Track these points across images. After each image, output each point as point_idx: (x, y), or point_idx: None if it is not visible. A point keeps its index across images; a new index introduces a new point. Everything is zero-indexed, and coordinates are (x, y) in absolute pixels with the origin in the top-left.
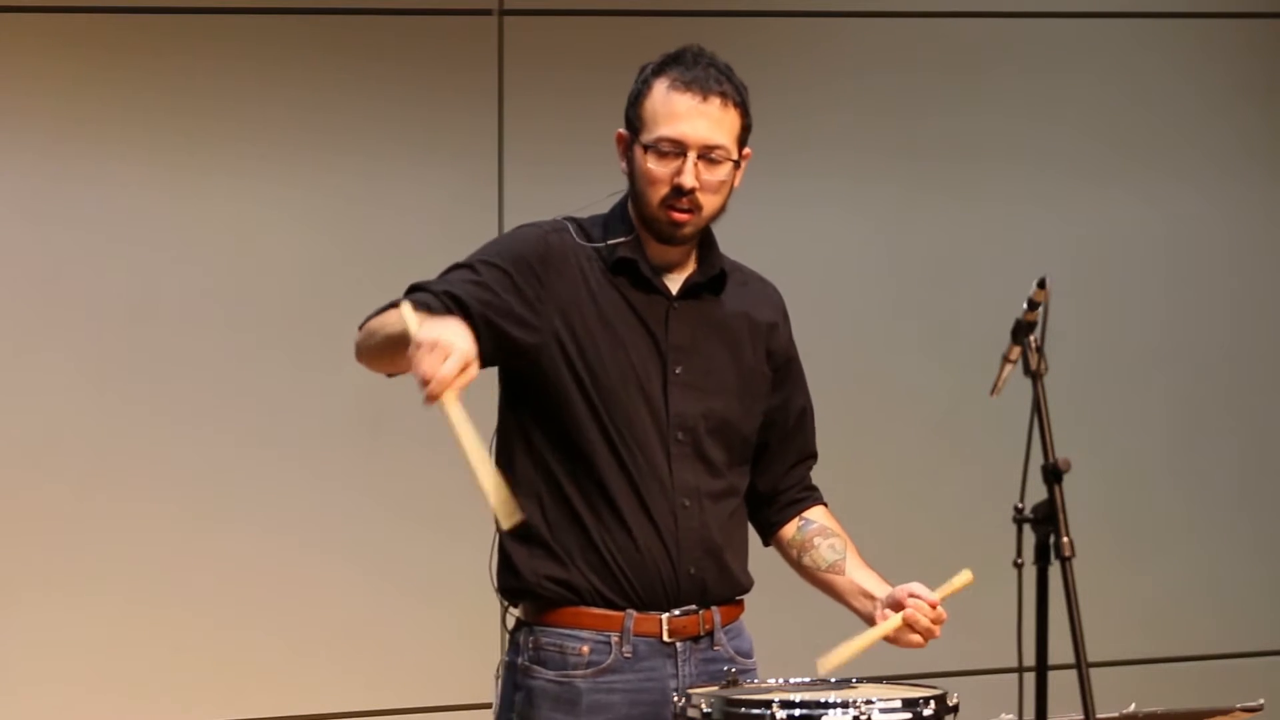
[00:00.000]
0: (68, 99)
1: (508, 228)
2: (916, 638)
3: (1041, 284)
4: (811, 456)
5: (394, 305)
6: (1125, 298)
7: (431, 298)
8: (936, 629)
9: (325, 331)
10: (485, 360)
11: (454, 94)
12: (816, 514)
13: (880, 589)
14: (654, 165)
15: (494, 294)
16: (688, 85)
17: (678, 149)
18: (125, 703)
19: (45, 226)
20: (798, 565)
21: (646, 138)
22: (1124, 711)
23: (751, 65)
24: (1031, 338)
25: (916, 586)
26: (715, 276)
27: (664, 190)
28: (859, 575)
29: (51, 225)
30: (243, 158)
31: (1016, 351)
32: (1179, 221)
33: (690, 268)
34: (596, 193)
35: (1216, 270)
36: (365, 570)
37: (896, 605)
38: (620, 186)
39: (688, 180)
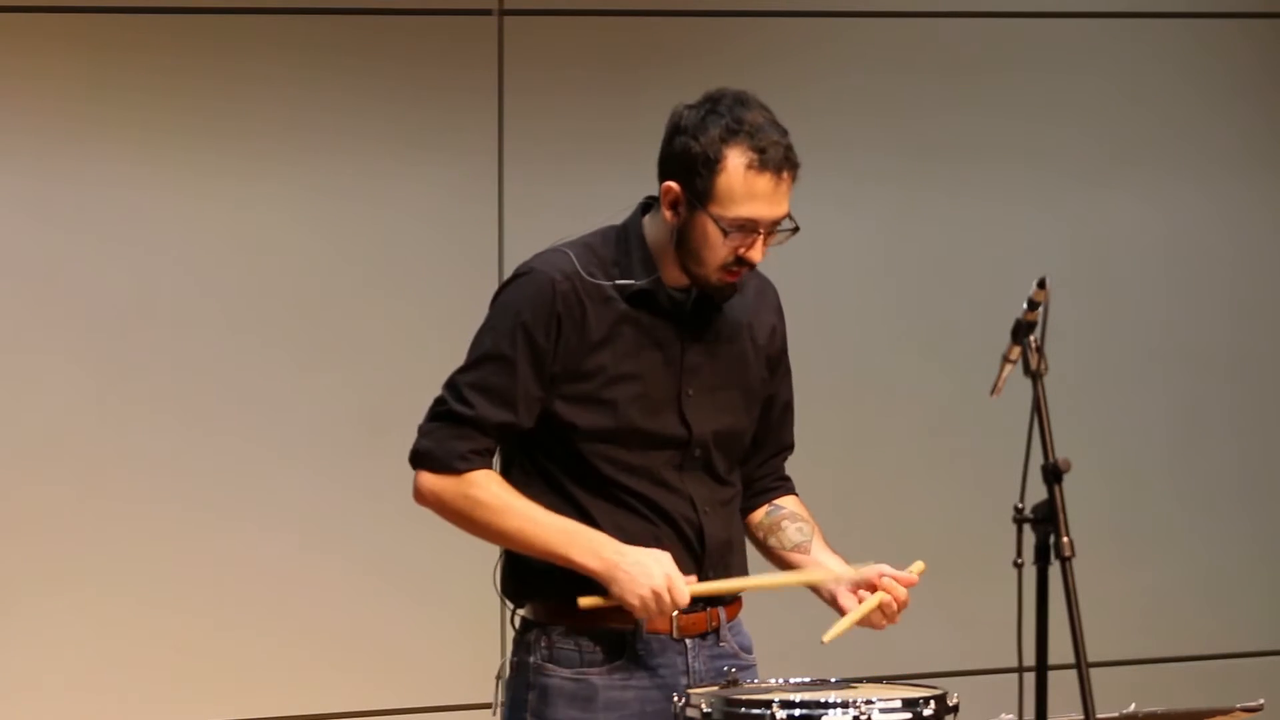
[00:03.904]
0: (68, 99)
1: (508, 227)
2: (881, 619)
3: (1041, 284)
4: (788, 448)
5: (470, 450)
6: (1125, 298)
7: (487, 440)
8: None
9: (326, 331)
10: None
11: (454, 94)
12: (787, 501)
13: (844, 570)
14: (724, 240)
15: (525, 389)
16: (764, 166)
17: (752, 227)
18: (125, 703)
19: (45, 226)
20: (763, 547)
21: (721, 214)
22: (1124, 711)
23: (752, 65)
24: (1031, 338)
25: (886, 568)
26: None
27: (728, 259)
28: (823, 557)
29: (51, 225)
30: (243, 157)
31: (1016, 351)
32: (1179, 221)
33: None
34: (595, 191)
35: (1216, 270)
36: (365, 570)
37: (864, 585)
38: (619, 191)
39: (758, 255)
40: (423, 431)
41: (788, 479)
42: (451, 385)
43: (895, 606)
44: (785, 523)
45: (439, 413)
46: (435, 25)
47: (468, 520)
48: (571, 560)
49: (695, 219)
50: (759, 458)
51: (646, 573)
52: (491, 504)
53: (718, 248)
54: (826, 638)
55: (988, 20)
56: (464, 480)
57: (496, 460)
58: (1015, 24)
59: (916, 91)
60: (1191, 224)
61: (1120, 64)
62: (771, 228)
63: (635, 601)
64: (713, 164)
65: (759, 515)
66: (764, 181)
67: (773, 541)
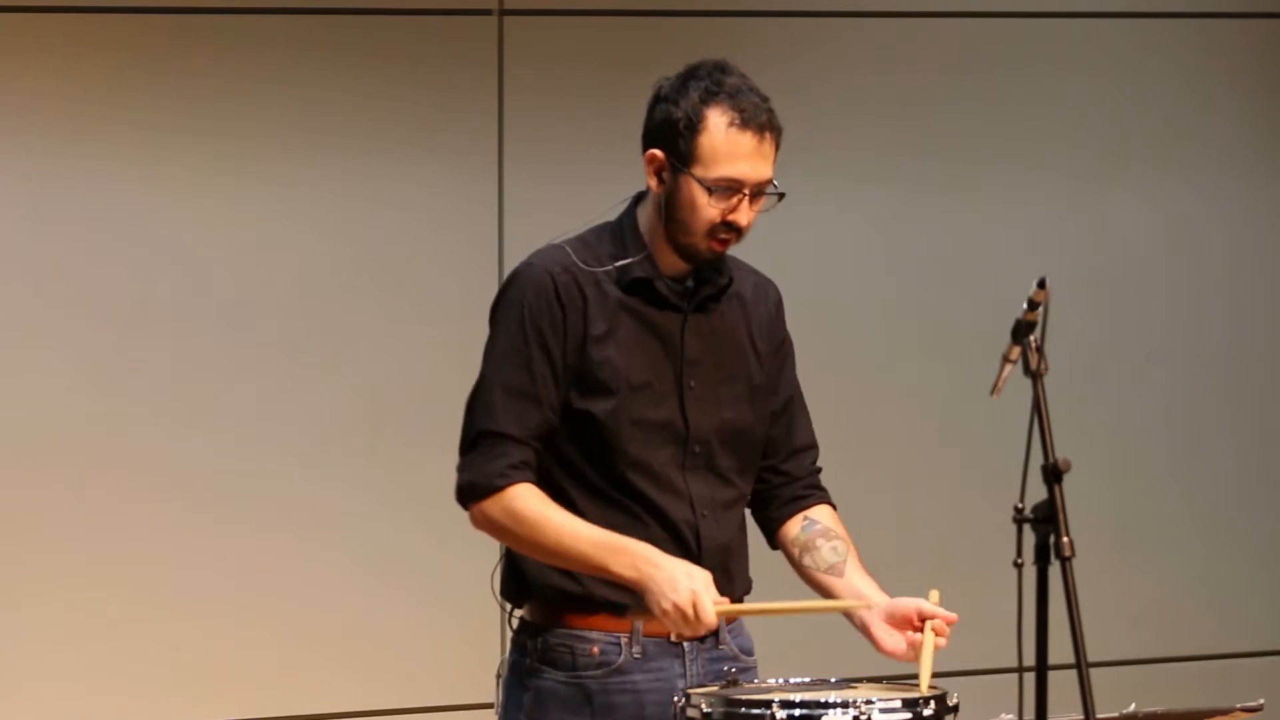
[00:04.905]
0: (68, 99)
1: (508, 227)
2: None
3: (1041, 284)
4: (809, 447)
5: (508, 464)
6: (1125, 298)
7: (525, 450)
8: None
9: (326, 331)
10: None
11: (454, 94)
12: (822, 514)
13: (880, 598)
14: (709, 201)
15: (544, 381)
16: (745, 124)
17: (736, 187)
18: (125, 702)
19: (45, 226)
20: (798, 565)
21: (704, 174)
22: (1124, 711)
23: (751, 65)
24: (1031, 338)
25: (923, 604)
26: (724, 286)
27: (714, 224)
28: (856, 579)
29: (51, 225)
30: (242, 157)
31: (1016, 351)
32: (1179, 221)
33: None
34: (596, 192)
35: (1216, 270)
36: (365, 570)
37: (901, 620)
38: (619, 191)
39: (744, 219)
40: (460, 468)
41: (822, 489)
42: (473, 401)
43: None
44: (820, 540)
45: (471, 440)
46: (435, 25)
47: (513, 536)
48: (610, 571)
49: (680, 183)
50: (778, 458)
51: (674, 587)
52: (531, 518)
53: (703, 210)
54: (924, 686)
55: (988, 20)
56: (505, 495)
57: None
58: (1015, 24)
59: (917, 91)
60: (1191, 224)
61: (1120, 64)
62: (756, 190)
63: (658, 612)
64: (694, 125)
65: (793, 529)
66: (746, 140)
67: (807, 561)
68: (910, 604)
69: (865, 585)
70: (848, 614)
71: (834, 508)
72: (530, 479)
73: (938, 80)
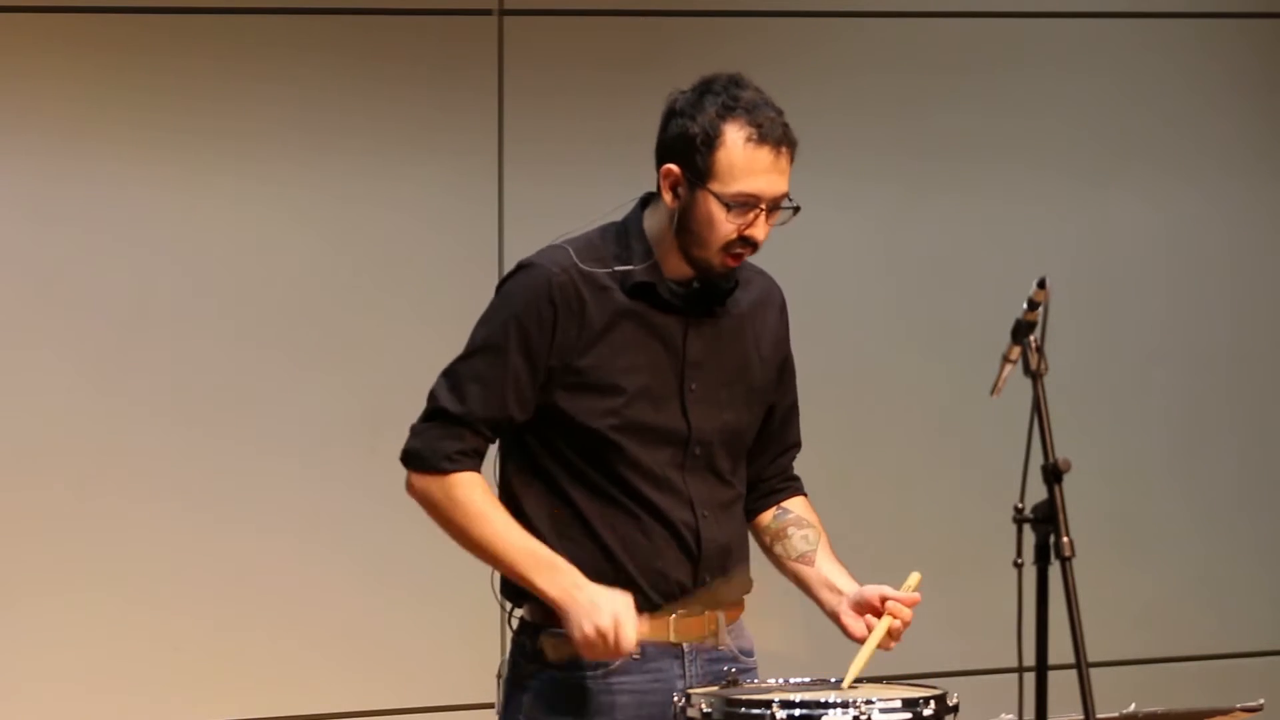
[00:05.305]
0: (68, 99)
1: (508, 228)
2: (889, 641)
3: (1041, 284)
4: (796, 446)
5: (458, 450)
6: (1125, 298)
7: (477, 439)
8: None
9: (326, 331)
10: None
11: (454, 94)
12: (795, 504)
13: (848, 585)
14: (727, 217)
15: (516, 381)
16: (763, 139)
17: (753, 203)
18: (125, 702)
19: (45, 226)
20: (769, 552)
21: (721, 190)
22: (1124, 711)
23: (752, 65)
24: (1031, 338)
25: (887, 589)
26: (729, 289)
27: (730, 239)
28: (827, 568)
29: (51, 225)
30: (242, 158)
31: (1016, 351)
32: (1179, 221)
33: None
34: (596, 192)
35: (1216, 270)
36: (365, 570)
37: (866, 606)
38: (619, 191)
39: (760, 234)
40: (414, 431)
41: (796, 479)
42: (444, 377)
43: (901, 628)
44: (791, 529)
45: (431, 411)
46: (435, 25)
47: (446, 520)
48: (532, 584)
49: (696, 199)
50: (766, 458)
51: (596, 610)
52: (469, 510)
53: (720, 226)
54: (847, 682)
55: (988, 20)
56: (448, 481)
57: (497, 465)
58: (1015, 24)
59: (916, 91)
60: (1191, 224)
61: (1120, 64)
62: (773, 205)
63: (578, 635)
64: (711, 140)
65: (766, 519)
66: (763, 155)
67: (778, 549)
68: (874, 590)
69: (834, 573)
70: (821, 604)
71: (806, 496)
72: (476, 468)
73: (938, 80)
